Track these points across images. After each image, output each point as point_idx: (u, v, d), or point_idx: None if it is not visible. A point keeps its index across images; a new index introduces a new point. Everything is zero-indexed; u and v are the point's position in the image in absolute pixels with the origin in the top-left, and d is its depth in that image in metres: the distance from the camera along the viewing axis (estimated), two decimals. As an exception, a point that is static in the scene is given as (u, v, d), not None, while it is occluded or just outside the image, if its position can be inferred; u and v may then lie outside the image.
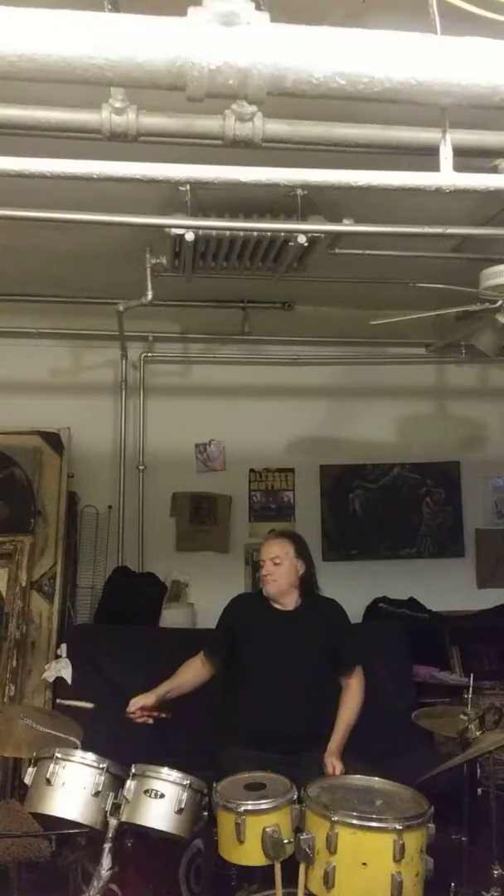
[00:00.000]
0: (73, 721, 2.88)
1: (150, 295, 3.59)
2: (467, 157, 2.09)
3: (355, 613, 4.45)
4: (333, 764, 2.83)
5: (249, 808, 2.24)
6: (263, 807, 2.25)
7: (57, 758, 2.38)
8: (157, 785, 2.36)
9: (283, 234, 3.15)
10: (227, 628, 3.25)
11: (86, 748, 2.52)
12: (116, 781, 2.38)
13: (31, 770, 2.43)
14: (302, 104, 1.64)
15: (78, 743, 2.64)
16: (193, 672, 3.16)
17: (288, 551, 3.16)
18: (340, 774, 2.78)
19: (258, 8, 1.42)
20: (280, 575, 3.13)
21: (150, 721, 2.98)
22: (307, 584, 3.20)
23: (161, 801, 2.34)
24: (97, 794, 2.34)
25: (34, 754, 2.49)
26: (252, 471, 4.91)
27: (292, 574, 3.15)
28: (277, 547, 3.17)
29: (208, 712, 3.30)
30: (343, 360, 4.96)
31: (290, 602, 3.17)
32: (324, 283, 4.05)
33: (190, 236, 3.05)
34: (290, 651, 3.06)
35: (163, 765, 2.41)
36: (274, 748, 2.86)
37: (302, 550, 3.22)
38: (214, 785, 2.39)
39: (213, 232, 3.12)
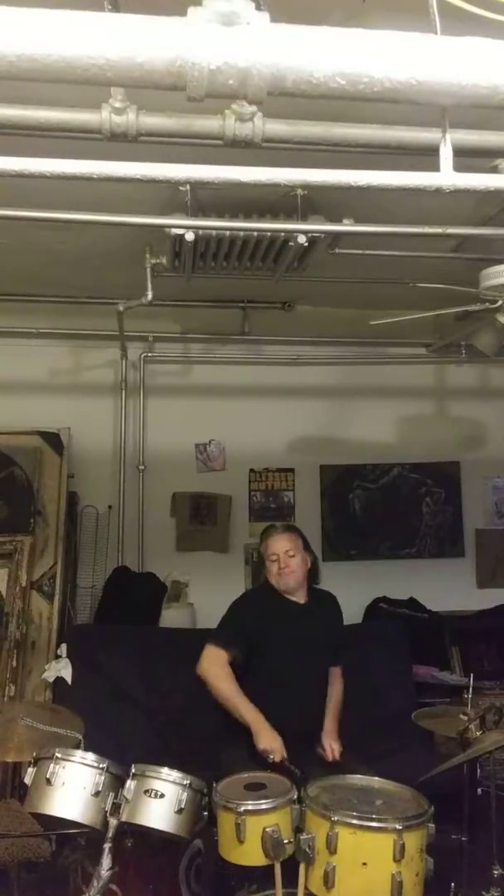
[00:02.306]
0: (75, 716, 2.88)
1: (150, 295, 3.58)
2: (467, 157, 2.08)
3: (355, 613, 4.47)
4: (332, 745, 2.90)
5: (249, 808, 2.24)
6: (263, 807, 2.25)
7: (57, 758, 2.37)
8: (157, 785, 2.36)
9: (283, 234, 3.15)
10: (246, 623, 3.16)
11: (86, 748, 2.52)
12: (116, 781, 2.38)
13: (31, 770, 2.43)
14: (302, 104, 1.65)
15: (80, 738, 2.64)
16: (230, 674, 3.02)
17: (297, 544, 3.22)
18: (340, 757, 2.85)
19: (258, 8, 1.42)
20: (297, 566, 3.17)
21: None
22: (313, 576, 3.28)
23: (161, 801, 2.34)
24: (97, 794, 2.34)
25: (34, 754, 2.49)
26: (252, 471, 4.91)
27: (304, 566, 3.21)
28: (288, 541, 3.21)
29: (209, 712, 3.29)
30: (343, 360, 4.96)
31: (301, 595, 3.22)
32: (324, 283, 4.05)
33: (190, 236, 3.05)
34: (311, 644, 3.12)
35: (163, 765, 2.41)
36: (289, 739, 2.85)
37: (307, 543, 3.30)
38: (214, 785, 2.39)
39: (213, 232, 3.12)
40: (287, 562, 3.16)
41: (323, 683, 3.15)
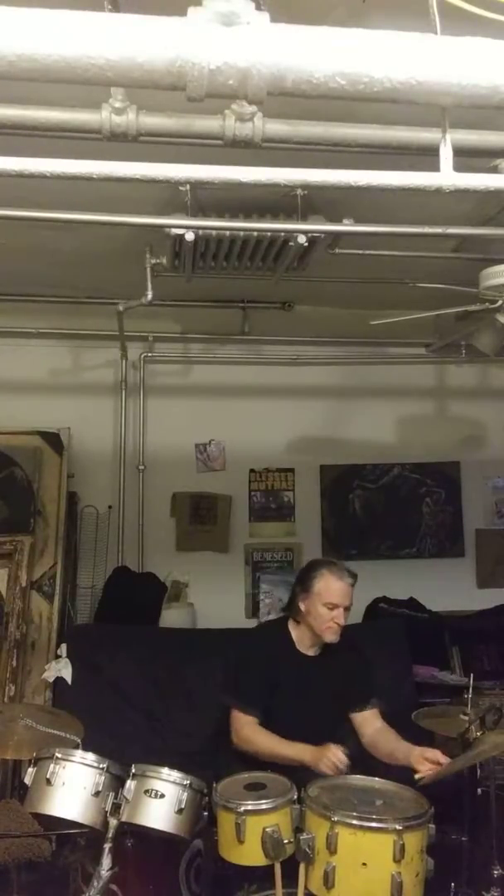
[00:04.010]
0: (74, 719, 2.88)
1: (150, 295, 3.58)
2: (467, 157, 2.09)
3: (355, 613, 4.43)
4: (427, 758, 2.58)
5: (249, 808, 2.24)
6: (263, 807, 2.24)
7: (57, 758, 2.37)
8: (157, 785, 2.35)
9: (283, 234, 3.15)
10: (260, 679, 2.93)
11: (86, 748, 2.52)
12: (116, 781, 2.37)
13: (31, 770, 2.42)
14: (302, 104, 1.64)
15: (79, 741, 2.64)
16: (262, 730, 2.83)
17: None
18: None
19: (258, 8, 1.42)
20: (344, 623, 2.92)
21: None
22: None
23: (161, 801, 2.33)
24: (97, 794, 2.33)
25: (34, 754, 2.49)
26: (252, 471, 4.91)
27: None
28: (351, 595, 2.94)
29: (209, 712, 3.30)
30: (343, 360, 4.96)
31: (317, 648, 3.00)
32: (324, 283, 4.05)
33: (190, 236, 3.05)
34: (318, 699, 2.90)
35: (163, 765, 2.41)
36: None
37: None
38: (214, 785, 2.38)
39: (213, 232, 3.12)
40: (342, 619, 2.89)
41: (337, 738, 2.75)
